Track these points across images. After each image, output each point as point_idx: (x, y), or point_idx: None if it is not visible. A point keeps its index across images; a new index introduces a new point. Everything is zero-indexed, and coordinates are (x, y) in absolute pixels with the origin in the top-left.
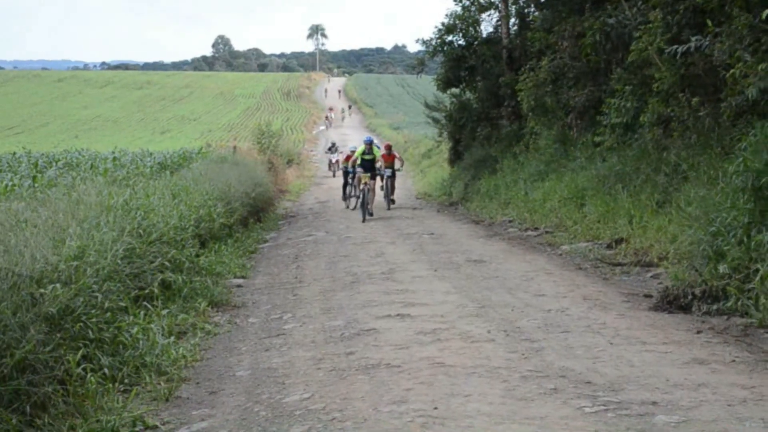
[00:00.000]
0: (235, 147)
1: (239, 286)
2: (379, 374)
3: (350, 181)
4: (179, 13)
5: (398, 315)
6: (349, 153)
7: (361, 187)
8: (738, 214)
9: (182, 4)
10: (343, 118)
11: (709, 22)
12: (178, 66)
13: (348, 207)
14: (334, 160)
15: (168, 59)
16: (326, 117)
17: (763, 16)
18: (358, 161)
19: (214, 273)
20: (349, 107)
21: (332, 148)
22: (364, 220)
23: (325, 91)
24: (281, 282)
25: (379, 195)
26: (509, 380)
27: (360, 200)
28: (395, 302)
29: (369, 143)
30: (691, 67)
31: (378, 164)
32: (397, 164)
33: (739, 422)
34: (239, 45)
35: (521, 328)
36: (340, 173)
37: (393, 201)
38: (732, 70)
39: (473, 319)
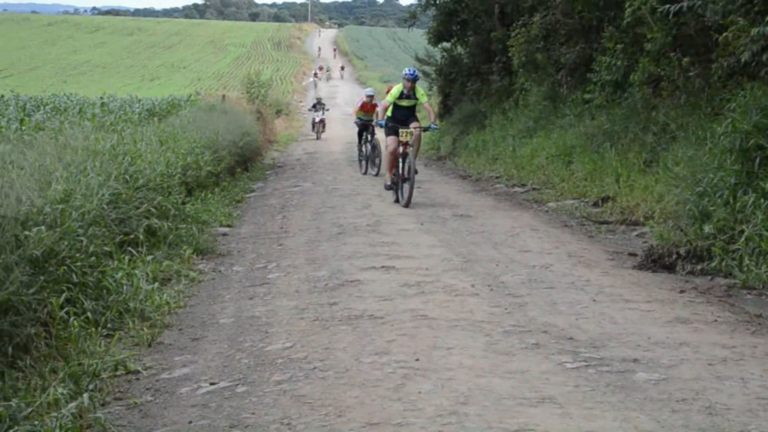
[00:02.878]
0: (224, 96)
1: (225, 234)
2: (362, 325)
3: (368, 138)
4: None
5: (383, 267)
6: (364, 100)
7: (398, 150)
8: (725, 175)
9: None
10: (328, 78)
11: None
12: (168, 13)
13: (367, 172)
14: (317, 120)
15: (159, 6)
16: (315, 74)
17: None
18: (388, 112)
19: (200, 221)
20: (342, 68)
21: (317, 106)
22: (399, 200)
23: (319, 49)
24: (267, 232)
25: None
26: (491, 334)
27: (395, 176)
28: (380, 254)
29: (412, 78)
30: (683, 28)
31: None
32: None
33: (719, 381)
34: None
35: (505, 283)
36: (325, 134)
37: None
38: (725, 33)
39: (457, 273)
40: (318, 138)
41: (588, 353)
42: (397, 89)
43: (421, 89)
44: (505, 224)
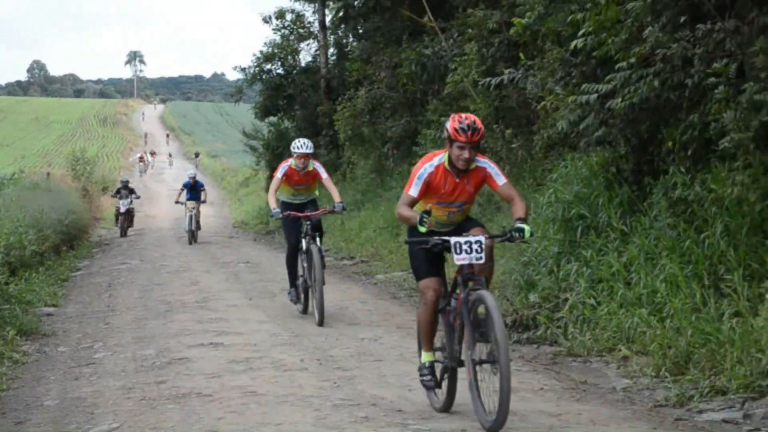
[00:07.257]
0: (48, 174)
1: (50, 314)
2: (190, 403)
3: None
4: None
5: (211, 344)
6: (290, 164)
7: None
8: (548, 245)
9: None
10: (151, 165)
11: (522, 56)
12: None
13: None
14: (122, 210)
15: None
16: (140, 158)
17: (571, 45)
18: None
19: (24, 301)
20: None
21: (122, 191)
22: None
23: (145, 135)
24: (93, 310)
25: None
26: (321, 409)
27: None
28: (209, 331)
29: None
30: (505, 100)
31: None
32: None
33: None
34: (55, 70)
35: (334, 357)
36: (136, 229)
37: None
38: (543, 102)
39: (286, 347)
40: (123, 235)
41: (416, 425)
42: None
43: None
44: (334, 298)
